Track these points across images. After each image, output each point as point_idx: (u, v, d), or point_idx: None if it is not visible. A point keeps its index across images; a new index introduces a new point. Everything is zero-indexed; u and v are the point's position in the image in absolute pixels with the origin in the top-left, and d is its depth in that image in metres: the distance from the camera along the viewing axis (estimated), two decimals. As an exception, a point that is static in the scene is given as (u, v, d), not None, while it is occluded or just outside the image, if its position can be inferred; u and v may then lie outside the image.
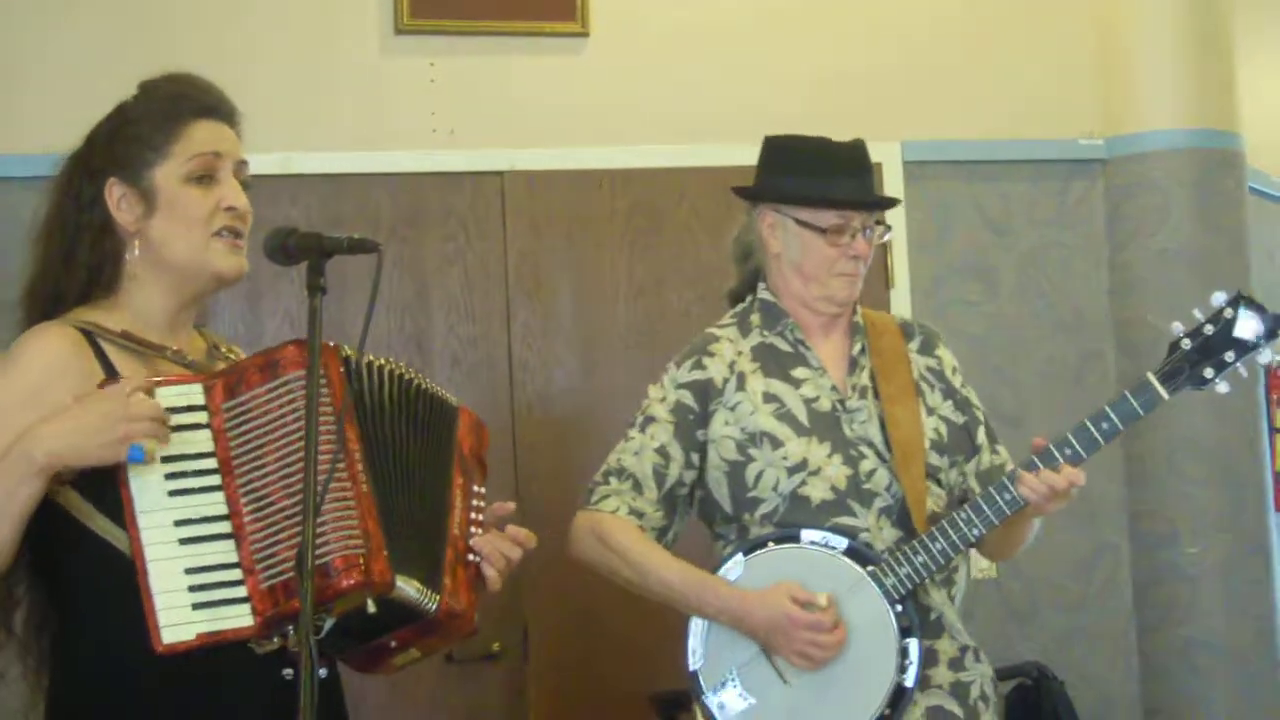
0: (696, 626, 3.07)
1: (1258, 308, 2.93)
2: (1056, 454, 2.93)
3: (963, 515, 2.96)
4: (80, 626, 2.35)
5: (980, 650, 3.14)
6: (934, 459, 3.10)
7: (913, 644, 2.95)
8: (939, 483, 3.10)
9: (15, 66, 4.27)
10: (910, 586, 2.95)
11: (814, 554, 2.99)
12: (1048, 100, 4.92)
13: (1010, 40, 4.92)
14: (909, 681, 2.94)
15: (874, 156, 3.25)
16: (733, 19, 4.73)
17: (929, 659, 3.02)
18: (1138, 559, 4.84)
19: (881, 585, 2.95)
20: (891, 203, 3.25)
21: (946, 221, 4.79)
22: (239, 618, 2.21)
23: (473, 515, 2.51)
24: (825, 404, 3.11)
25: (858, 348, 3.19)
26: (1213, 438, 4.71)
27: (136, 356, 2.41)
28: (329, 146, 4.41)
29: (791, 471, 3.04)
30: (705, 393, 3.15)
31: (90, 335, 2.39)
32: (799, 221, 3.14)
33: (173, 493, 2.23)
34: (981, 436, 3.21)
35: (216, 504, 2.26)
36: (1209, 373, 2.93)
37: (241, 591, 2.22)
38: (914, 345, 3.24)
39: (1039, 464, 2.93)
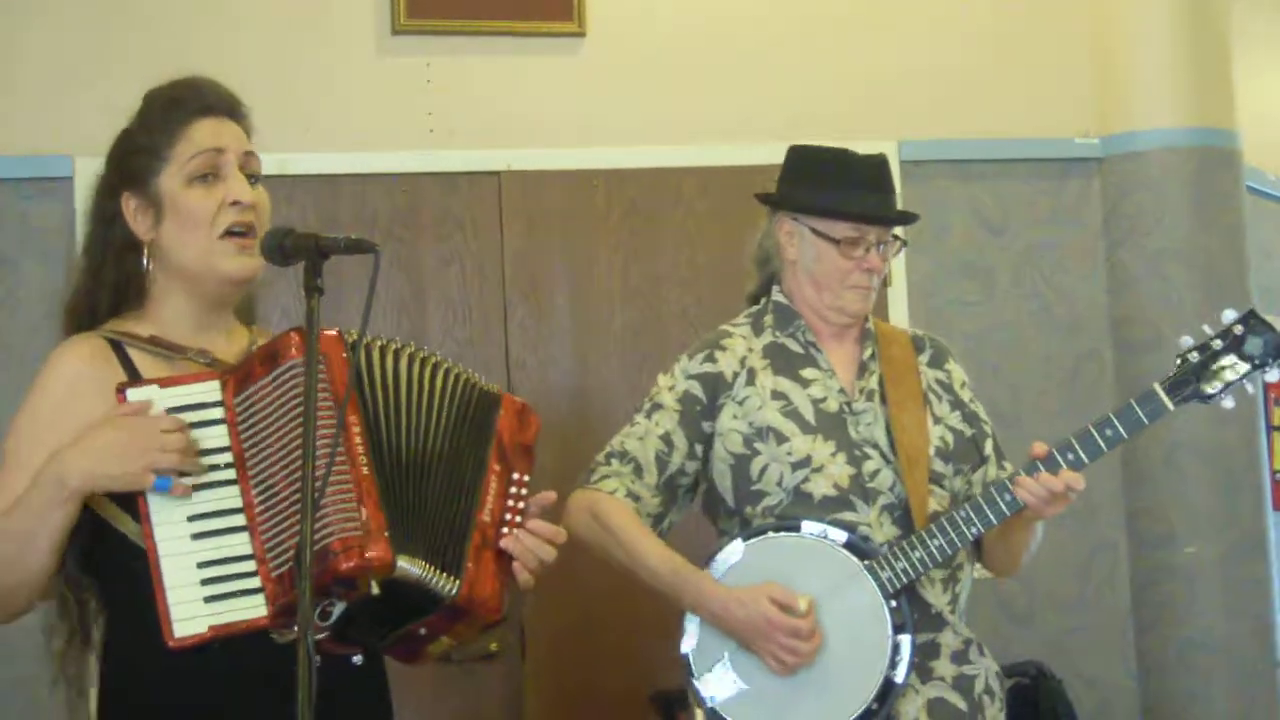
0: None
1: (1266, 326, 2.96)
2: (1059, 458, 2.94)
3: (962, 514, 2.98)
4: (121, 626, 2.39)
5: (984, 645, 3.15)
6: (939, 465, 3.11)
7: (905, 640, 2.96)
8: (943, 488, 3.11)
9: (13, 68, 4.27)
10: (905, 581, 2.96)
11: (813, 544, 3.01)
12: (1044, 99, 4.92)
13: (1006, 39, 4.92)
14: (899, 677, 2.95)
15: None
16: (729, 20, 4.73)
17: (931, 651, 3.03)
18: (1136, 558, 4.84)
19: (877, 578, 2.96)
20: (907, 220, 3.24)
21: (943, 221, 4.79)
22: (253, 608, 2.24)
23: (509, 503, 2.50)
24: (832, 405, 3.13)
25: (868, 353, 3.21)
26: (1211, 437, 4.71)
27: (163, 360, 2.44)
28: (325, 147, 4.41)
29: (795, 467, 3.06)
30: (715, 385, 3.17)
31: (117, 343, 2.42)
32: (815, 231, 3.17)
33: (188, 473, 2.27)
34: (989, 449, 3.23)
35: (231, 498, 2.28)
36: (1215, 387, 2.95)
37: (255, 582, 2.24)
38: (924, 358, 3.26)
39: (1041, 468, 2.94)
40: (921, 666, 3.00)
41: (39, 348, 3.98)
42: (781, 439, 3.08)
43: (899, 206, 3.28)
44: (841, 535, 3.00)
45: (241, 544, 2.26)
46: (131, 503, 2.29)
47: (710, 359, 3.20)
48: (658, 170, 4.64)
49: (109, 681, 2.42)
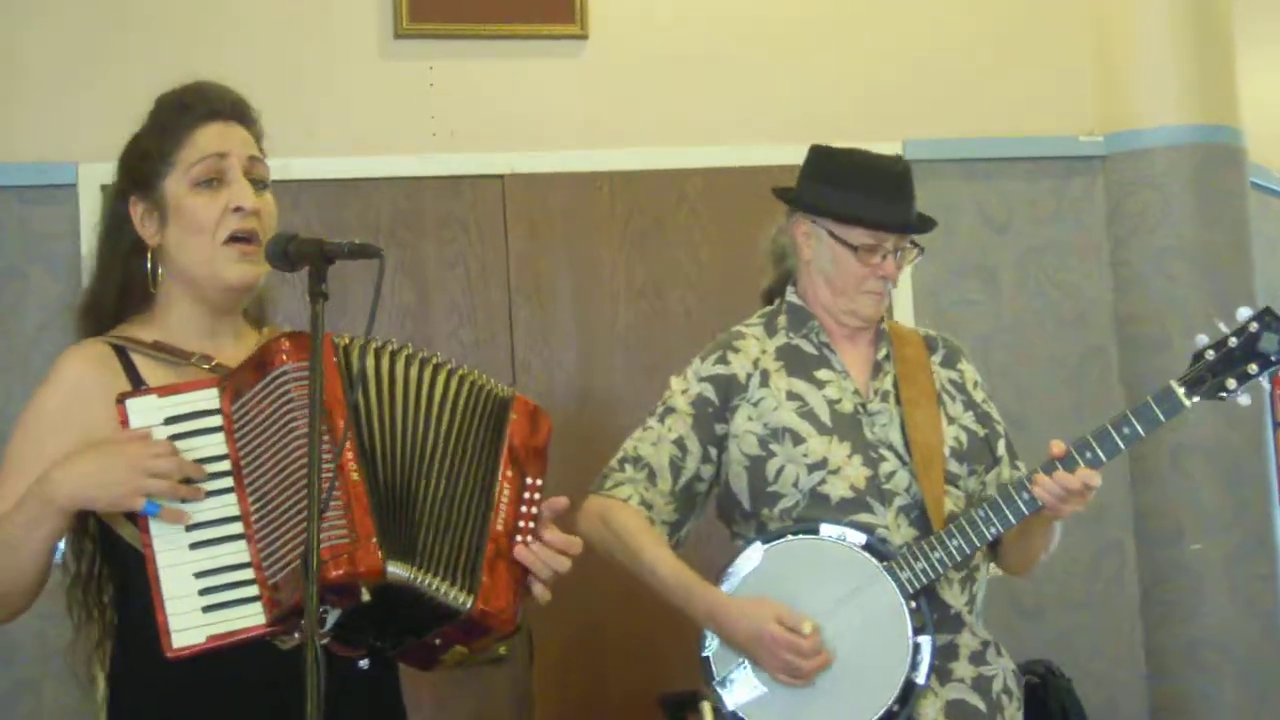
0: None
1: None
2: (1077, 457, 2.95)
3: (980, 513, 2.97)
4: (126, 629, 2.40)
5: (1001, 645, 3.16)
6: (953, 465, 3.11)
7: (925, 641, 2.95)
8: (959, 488, 3.11)
9: (17, 76, 4.27)
10: (925, 581, 2.96)
11: (832, 547, 3.00)
12: (1047, 98, 4.92)
13: (1009, 38, 4.92)
14: (920, 678, 2.94)
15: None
16: (731, 21, 4.73)
17: (950, 652, 3.03)
18: (1143, 556, 4.84)
19: (897, 579, 2.96)
20: (926, 227, 3.22)
21: (947, 220, 4.76)
22: (251, 617, 2.22)
23: (523, 509, 2.48)
24: (847, 406, 3.12)
25: (882, 353, 3.21)
26: (1217, 435, 4.71)
27: (168, 366, 2.44)
28: (329, 151, 4.41)
29: (812, 469, 3.05)
30: (728, 387, 3.16)
31: (121, 349, 2.43)
32: (832, 235, 3.15)
33: (185, 499, 2.25)
34: (1002, 449, 3.23)
35: (228, 506, 2.27)
36: (1231, 384, 2.95)
37: (253, 591, 2.23)
38: (937, 358, 3.26)
39: (1059, 466, 2.94)
40: (941, 668, 3.00)
41: (44, 353, 4.02)
42: (798, 440, 3.08)
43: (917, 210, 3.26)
44: (860, 537, 3.00)
45: (239, 553, 2.25)
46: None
47: (723, 360, 3.19)
48: (661, 172, 4.64)
49: (114, 685, 2.42)
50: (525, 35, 4.57)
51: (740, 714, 3.02)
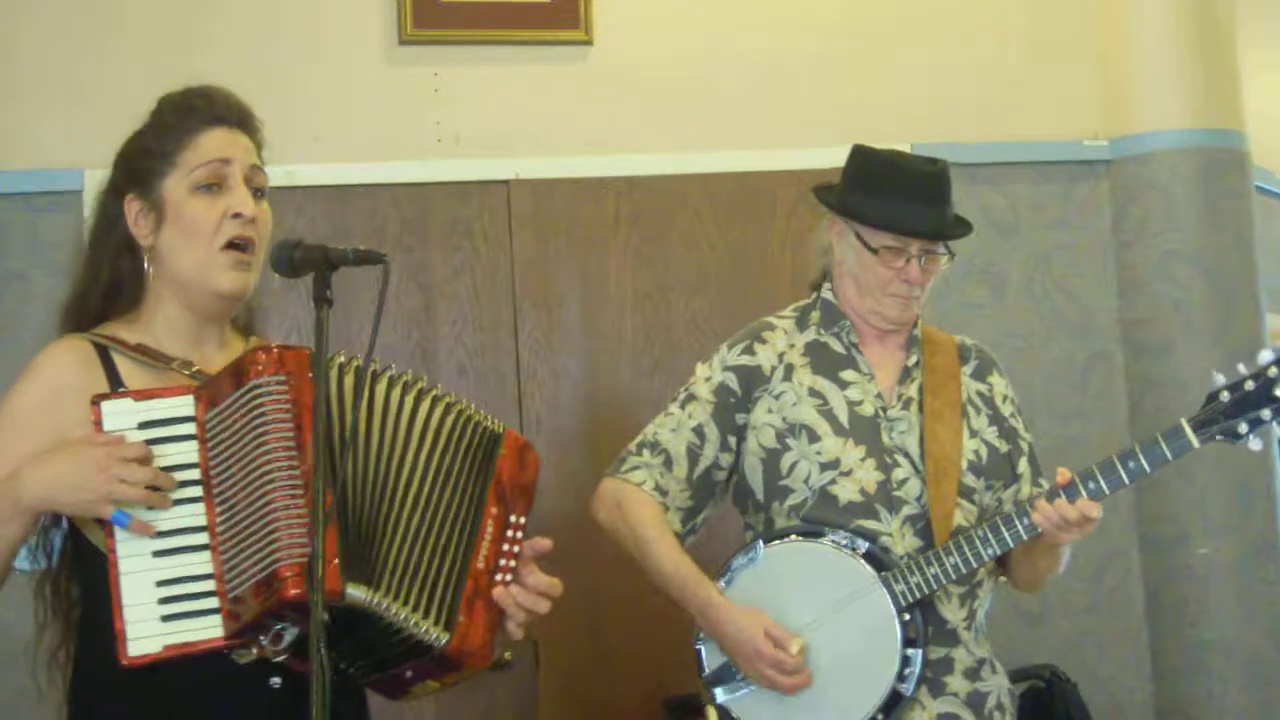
0: None
1: None
2: (1080, 487, 2.94)
3: (980, 534, 2.97)
4: (88, 631, 2.38)
5: (997, 662, 3.15)
6: (969, 479, 3.10)
7: (915, 654, 2.96)
8: (973, 501, 3.11)
9: (25, 82, 4.29)
10: (919, 595, 2.96)
11: (832, 552, 3.01)
12: (1052, 102, 4.92)
13: (1013, 43, 4.92)
14: (906, 689, 2.95)
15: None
16: (736, 27, 4.73)
17: (944, 666, 3.03)
18: (1149, 561, 4.83)
19: (892, 591, 2.96)
20: (953, 234, 3.19)
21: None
22: (209, 629, 2.20)
23: (505, 547, 2.47)
24: (868, 409, 3.12)
25: (913, 360, 3.20)
26: (1222, 438, 4.70)
27: (148, 369, 2.42)
28: (333, 158, 4.42)
29: (824, 468, 3.06)
30: (751, 378, 3.17)
31: (103, 348, 2.40)
32: (858, 237, 3.15)
33: (154, 507, 2.23)
34: (1024, 467, 3.22)
35: (195, 516, 2.24)
36: (1243, 428, 2.94)
37: (213, 603, 2.21)
38: (968, 369, 3.25)
39: (1061, 494, 2.93)
40: (934, 682, 3.01)
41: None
42: (814, 437, 3.08)
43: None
44: (862, 545, 3.00)
45: (203, 563, 2.22)
46: None
47: (749, 351, 3.20)
48: (666, 177, 4.64)
49: (73, 686, 2.41)
50: (530, 41, 4.58)
51: (727, 707, 3.04)
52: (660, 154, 4.64)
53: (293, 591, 2.14)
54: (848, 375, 3.16)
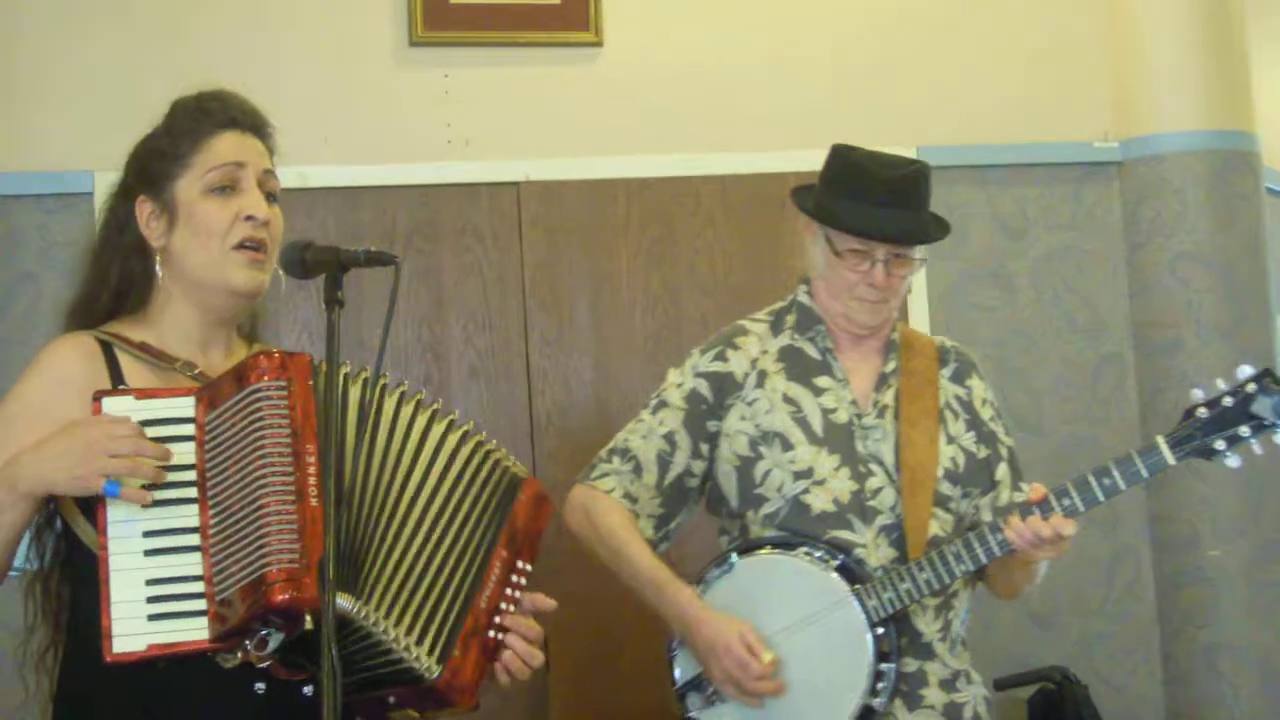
0: None
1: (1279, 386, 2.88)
2: (1054, 503, 2.88)
3: (953, 550, 2.92)
4: (75, 630, 2.38)
5: (974, 673, 3.11)
6: (945, 487, 3.06)
7: (888, 668, 2.92)
8: (949, 510, 3.06)
9: (36, 84, 4.29)
10: (892, 610, 2.92)
11: (805, 565, 2.97)
12: (1062, 103, 4.91)
13: (1024, 43, 4.92)
14: (878, 704, 2.91)
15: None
16: (746, 28, 4.74)
17: (919, 679, 2.99)
18: (1160, 562, 4.83)
19: (864, 605, 2.92)
20: (921, 238, 3.09)
21: (962, 226, 4.78)
22: (195, 630, 2.19)
23: (508, 592, 2.45)
24: (842, 416, 3.08)
25: (890, 366, 3.15)
26: (1233, 439, 4.70)
27: (151, 368, 2.42)
28: (344, 159, 4.43)
29: (797, 477, 3.02)
30: (723, 385, 3.13)
31: (107, 345, 2.40)
32: (827, 239, 3.10)
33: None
34: (1002, 473, 3.16)
35: (189, 517, 2.23)
36: (1220, 445, 2.88)
37: (200, 605, 2.20)
38: (947, 372, 3.19)
39: (1036, 511, 2.88)
40: (910, 695, 2.97)
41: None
42: (787, 445, 3.05)
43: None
44: (836, 558, 2.96)
45: (193, 565, 2.21)
46: (90, 504, 2.25)
47: (721, 357, 3.16)
48: (677, 179, 4.65)
49: (61, 688, 2.41)
50: (540, 43, 4.58)
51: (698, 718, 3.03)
52: (670, 155, 4.64)
53: (279, 597, 2.13)
54: (822, 382, 3.11)
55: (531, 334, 4.52)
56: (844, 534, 2.99)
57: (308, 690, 2.32)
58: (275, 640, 2.19)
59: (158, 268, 2.46)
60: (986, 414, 3.19)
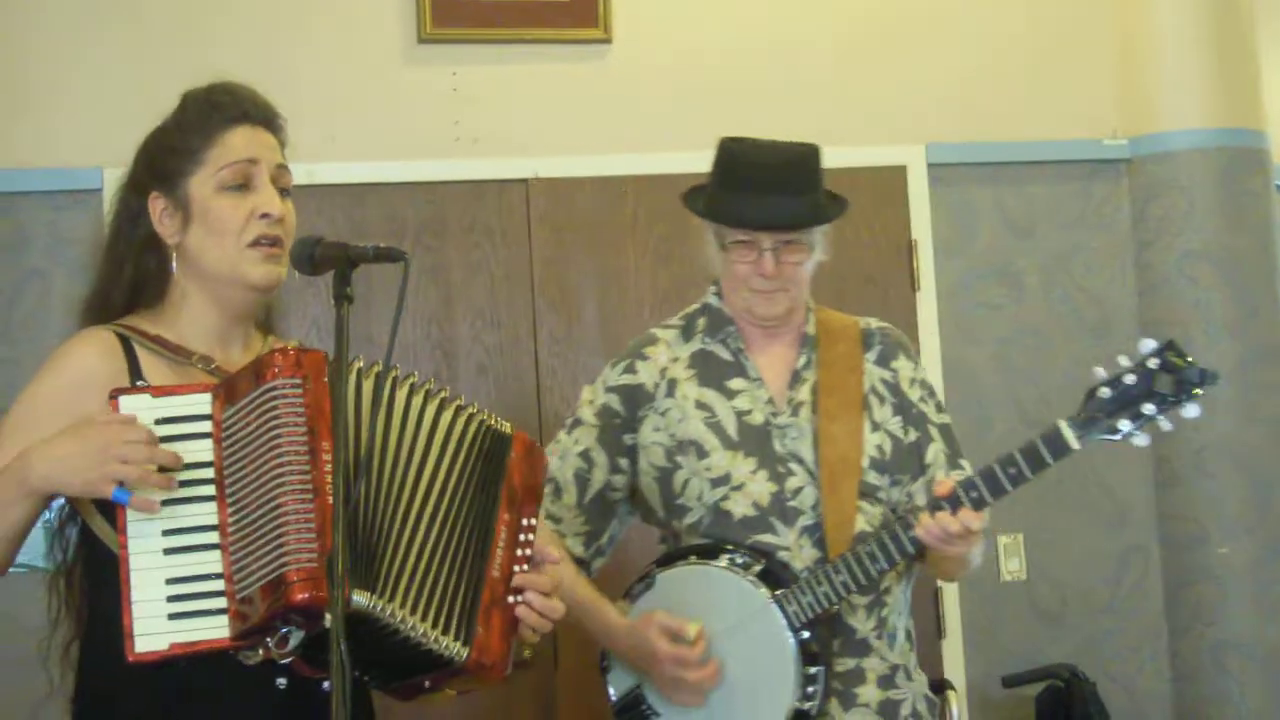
0: None
1: (1184, 360, 2.75)
2: (962, 497, 2.78)
3: (867, 550, 2.84)
4: (95, 629, 2.37)
5: (916, 670, 3.04)
6: (872, 477, 2.97)
7: (819, 671, 2.85)
8: (877, 500, 2.98)
9: (46, 81, 4.30)
10: (813, 614, 2.85)
11: (723, 575, 2.90)
12: (1071, 101, 4.91)
13: (1032, 42, 4.92)
14: (812, 708, 2.84)
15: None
16: (755, 25, 4.74)
17: (855, 677, 2.93)
18: (1168, 560, 4.82)
19: (785, 611, 2.85)
20: (798, 224, 2.97)
21: (971, 224, 4.78)
22: (216, 629, 2.18)
23: (518, 553, 2.43)
24: (757, 417, 3.00)
25: (802, 361, 3.05)
26: (1240, 438, 4.70)
27: (168, 363, 2.41)
28: (353, 156, 4.43)
29: (715, 484, 2.95)
30: (634, 398, 3.06)
31: (125, 339, 2.40)
32: (715, 234, 3.05)
33: (166, 501, 2.20)
34: (932, 455, 3.04)
35: (208, 515, 2.22)
36: (1124, 425, 2.76)
37: (221, 603, 2.19)
38: (871, 355, 3.08)
39: (945, 505, 2.78)
40: (844, 693, 2.91)
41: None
42: (702, 453, 2.97)
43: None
44: (757, 565, 2.89)
45: (213, 562, 2.20)
46: (112, 508, 2.24)
47: (630, 370, 3.09)
48: (685, 176, 4.61)
49: (82, 683, 2.40)
50: (549, 40, 4.58)
51: None
52: (679, 152, 4.62)
53: (300, 595, 2.12)
54: (735, 384, 3.03)
55: (540, 331, 4.52)
56: (766, 538, 2.92)
57: (328, 685, 2.32)
58: (296, 638, 2.19)
59: (175, 264, 2.45)
60: (915, 395, 3.07)
